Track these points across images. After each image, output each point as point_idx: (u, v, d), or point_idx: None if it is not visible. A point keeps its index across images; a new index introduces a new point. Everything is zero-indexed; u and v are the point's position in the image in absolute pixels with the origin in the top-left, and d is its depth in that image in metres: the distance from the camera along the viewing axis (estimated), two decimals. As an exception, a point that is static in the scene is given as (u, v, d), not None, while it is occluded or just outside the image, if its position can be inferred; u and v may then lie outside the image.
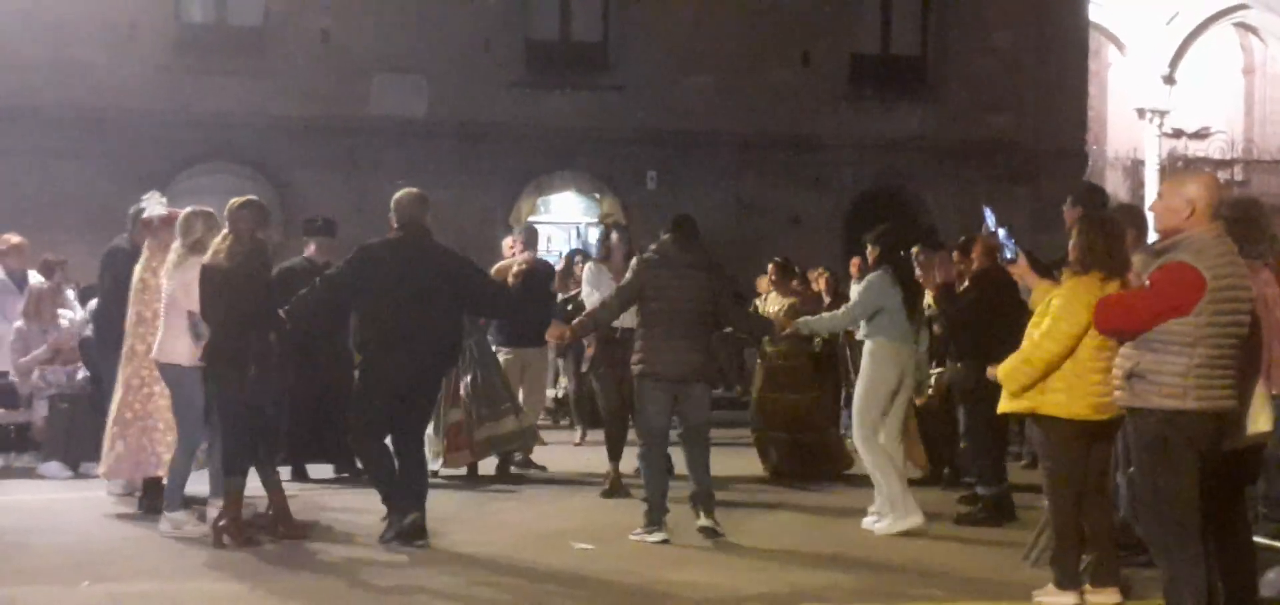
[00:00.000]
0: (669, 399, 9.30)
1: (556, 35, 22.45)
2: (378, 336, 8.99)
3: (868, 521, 9.66)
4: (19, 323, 12.54)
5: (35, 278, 13.07)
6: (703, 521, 9.29)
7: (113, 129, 19.96)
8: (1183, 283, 6.20)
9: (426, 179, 20.64)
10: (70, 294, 13.28)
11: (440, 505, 9.85)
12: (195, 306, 8.98)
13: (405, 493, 8.93)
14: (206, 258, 8.93)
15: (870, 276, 9.80)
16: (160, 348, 9.28)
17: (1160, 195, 6.55)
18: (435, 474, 11.14)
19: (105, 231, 13.02)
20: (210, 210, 9.44)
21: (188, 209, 9.49)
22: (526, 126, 21.46)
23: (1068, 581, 7.47)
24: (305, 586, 7.83)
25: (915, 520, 9.48)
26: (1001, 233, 8.20)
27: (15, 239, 13.24)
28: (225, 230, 8.98)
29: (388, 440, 9.04)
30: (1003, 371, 7.49)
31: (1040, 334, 7.32)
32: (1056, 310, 7.33)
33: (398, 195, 9.23)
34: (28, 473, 12.00)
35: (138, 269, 9.89)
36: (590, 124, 21.72)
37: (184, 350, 9.12)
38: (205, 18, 21.47)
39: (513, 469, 12.22)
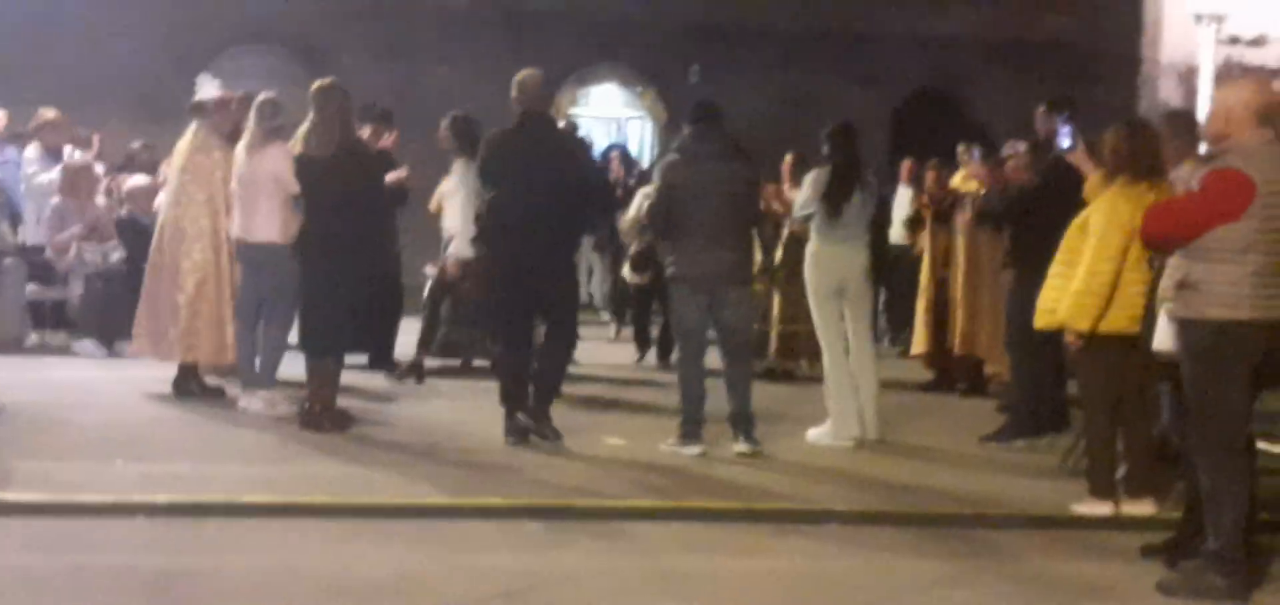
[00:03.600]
0: (704, 303, 8.73)
1: (603, -77, 22.15)
2: (506, 225, 8.67)
3: (811, 431, 9.28)
4: (55, 199, 12.53)
5: (71, 152, 13.04)
6: (741, 446, 8.70)
7: (156, 7, 19.86)
8: (1231, 188, 6.05)
9: (467, 67, 20.76)
10: (98, 169, 13.21)
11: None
12: (283, 189, 9.05)
13: (541, 399, 8.68)
14: (296, 145, 8.98)
15: (811, 172, 9.43)
16: (247, 227, 9.32)
17: (1210, 102, 6.42)
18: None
19: (144, 110, 13.06)
20: (275, 98, 9.47)
21: (262, 94, 9.49)
22: (572, 15, 21.22)
23: (1102, 492, 7.45)
24: (338, 473, 7.83)
25: (845, 436, 9.10)
26: (1060, 121, 8.06)
27: (51, 114, 13.21)
28: (311, 115, 8.96)
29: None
30: (1069, 314, 7.33)
31: (1093, 256, 7.20)
32: (1101, 226, 7.24)
33: (521, 76, 8.88)
34: (63, 350, 12.07)
35: (184, 149, 9.87)
36: (635, 15, 21.45)
37: (277, 228, 9.17)
38: (250, -103, 21.28)
39: None
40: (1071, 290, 7.36)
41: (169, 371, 9.97)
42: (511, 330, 8.80)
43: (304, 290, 9.06)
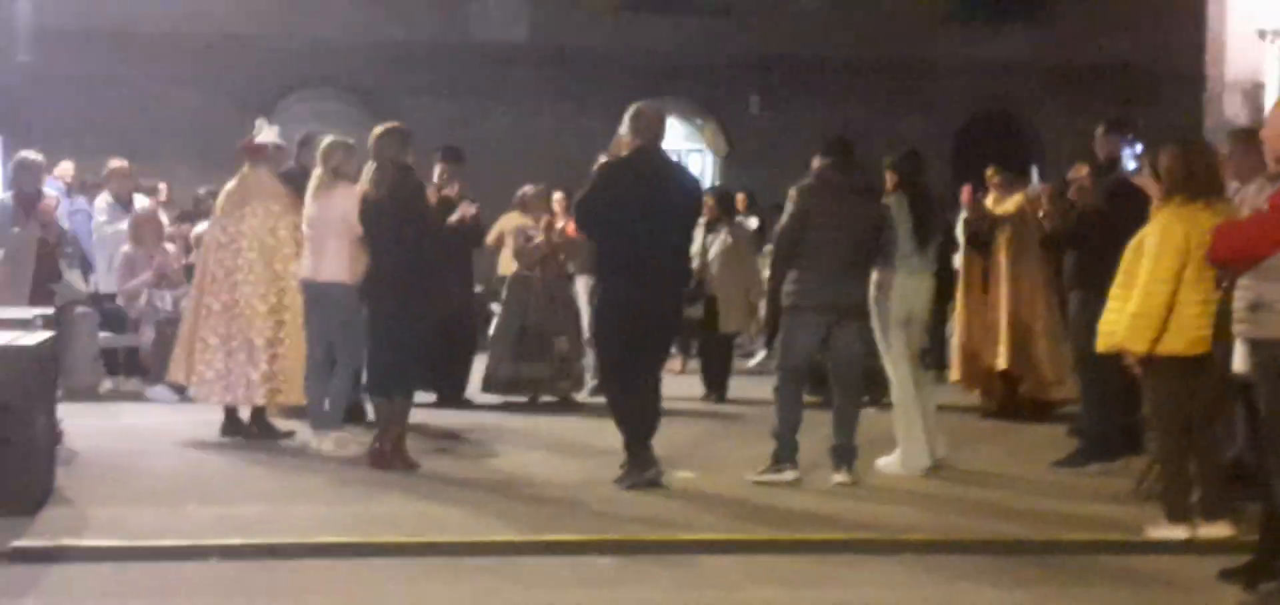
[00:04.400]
0: (821, 334, 8.73)
1: (660, -41, 22.29)
2: (618, 260, 8.56)
3: (881, 461, 9.19)
4: (125, 247, 12.71)
5: (141, 202, 13.24)
6: (842, 477, 8.71)
7: (216, 55, 20.15)
8: (1301, 206, 6.00)
9: (527, 105, 20.93)
10: (165, 217, 13.38)
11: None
12: (351, 230, 9.19)
13: (646, 438, 8.55)
14: (362, 187, 9.11)
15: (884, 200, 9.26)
16: (316, 267, 9.44)
17: (1269, 122, 6.36)
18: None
19: (209, 157, 13.23)
20: (350, 141, 9.66)
21: (328, 138, 9.66)
22: (629, 51, 21.31)
23: (1177, 515, 7.37)
24: (410, 511, 7.85)
25: (916, 466, 9.04)
26: (1124, 142, 8.03)
27: (120, 163, 13.44)
28: (371, 161, 9.09)
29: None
30: (1126, 337, 7.29)
31: (1148, 277, 7.15)
32: (1155, 247, 7.19)
33: (637, 109, 8.77)
34: (136, 396, 12.19)
35: (241, 191, 9.95)
36: (692, 48, 21.54)
37: (345, 268, 9.31)
38: (309, -58, 21.59)
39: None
40: (1128, 312, 7.31)
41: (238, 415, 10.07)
42: (630, 370, 8.65)
43: (370, 331, 9.15)
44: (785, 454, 8.72)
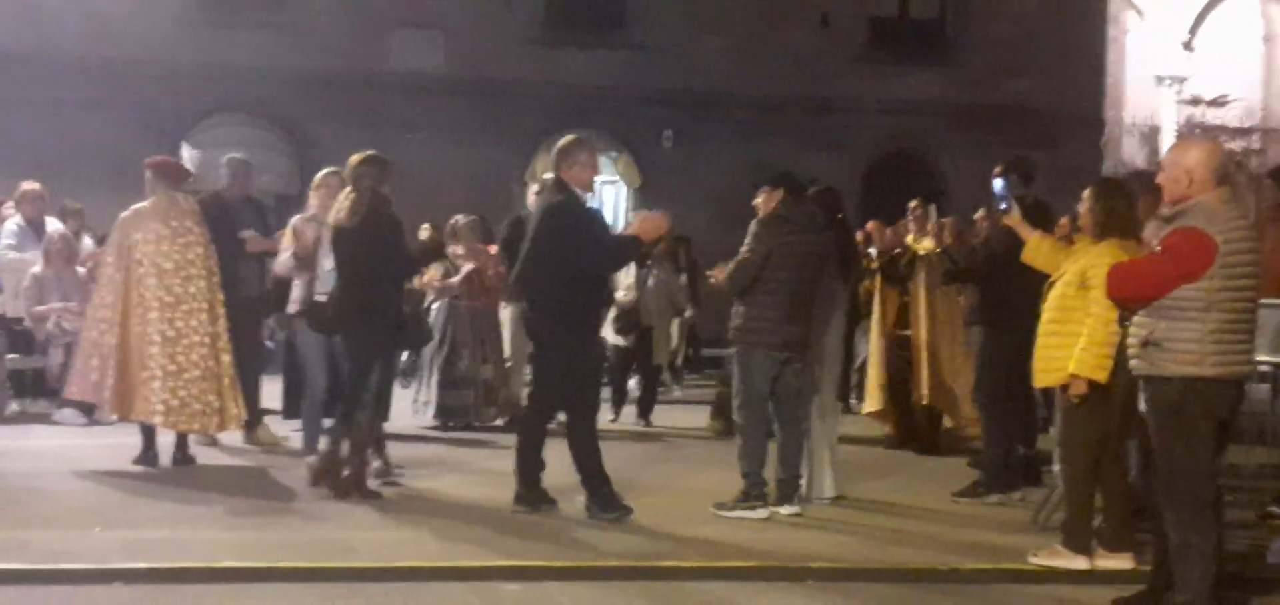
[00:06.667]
0: (775, 369, 8.72)
1: (576, -8, 22.44)
2: (588, 295, 8.77)
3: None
4: (36, 268, 12.59)
5: (54, 225, 13.12)
6: (789, 509, 8.76)
7: (131, 80, 19.98)
8: (1194, 247, 6.18)
9: (443, 134, 20.93)
10: (87, 242, 13.30)
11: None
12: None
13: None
14: (332, 216, 9.03)
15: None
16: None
17: (1162, 166, 6.56)
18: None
19: (122, 181, 13.03)
20: (337, 170, 9.76)
21: (324, 171, 9.84)
22: (544, 84, 21.43)
23: (1080, 545, 7.50)
24: (320, 538, 7.85)
25: (820, 496, 9.17)
26: (998, 185, 8.20)
27: (32, 186, 13.31)
28: (348, 188, 9.01)
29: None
30: (1087, 370, 7.34)
31: (1103, 309, 7.16)
32: (1101, 281, 7.27)
33: (560, 144, 8.73)
34: (43, 418, 12.07)
35: (155, 211, 9.84)
36: (607, 83, 21.67)
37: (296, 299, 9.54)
38: (225, -31, 21.50)
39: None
40: (1085, 344, 7.34)
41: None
42: (591, 398, 8.78)
43: (349, 359, 9.08)
44: (755, 491, 8.71)
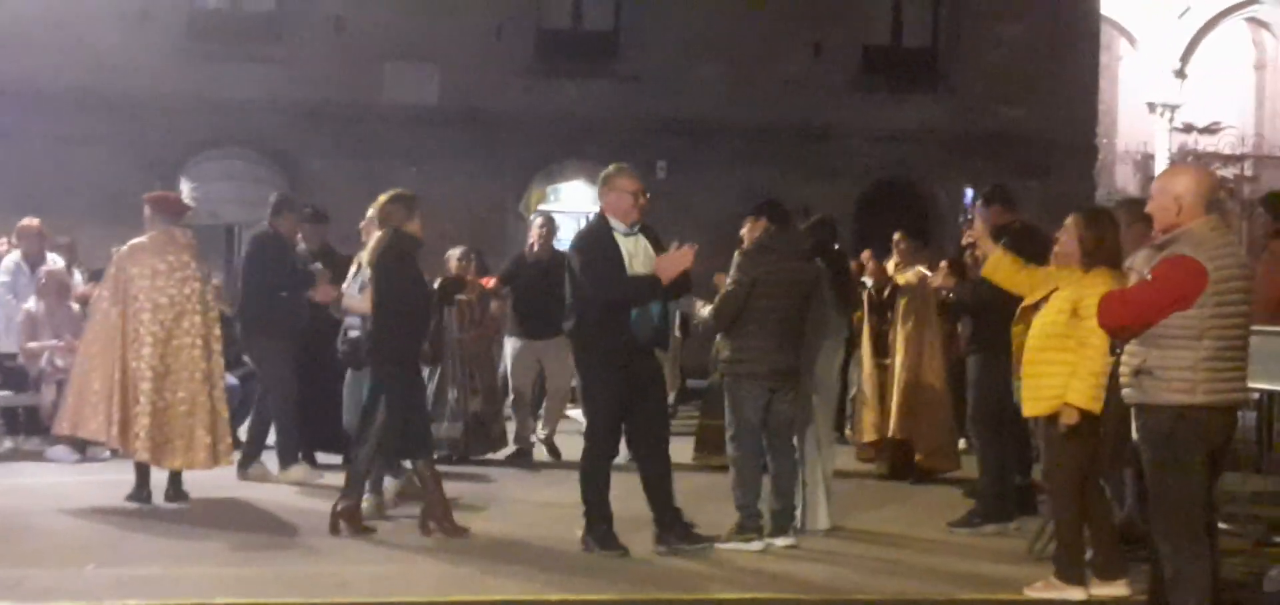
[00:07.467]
0: (765, 400, 8.67)
1: (568, 23, 22.52)
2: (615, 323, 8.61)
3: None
4: (29, 304, 12.58)
5: (54, 260, 13.12)
6: (787, 540, 8.69)
7: (124, 113, 20.01)
8: (1184, 275, 6.19)
9: (437, 167, 20.93)
10: (77, 277, 13.29)
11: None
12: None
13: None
14: (366, 256, 9.18)
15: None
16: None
17: (1152, 193, 6.56)
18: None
19: (117, 215, 13.10)
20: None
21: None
22: (537, 115, 21.47)
23: (1073, 576, 7.47)
24: (312, 572, 7.85)
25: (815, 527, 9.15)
26: (967, 195, 8.21)
27: (30, 222, 13.31)
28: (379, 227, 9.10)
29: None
30: (1085, 401, 7.32)
31: (1101, 339, 7.13)
32: (1093, 312, 7.26)
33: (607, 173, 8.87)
34: (36, 455, 12.05)
35: (155, 259, 9.82)
36: (601, 113, 21.69)
37: None
38: (219, 3, 21.58)
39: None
40: (1084, 373, 7.30)
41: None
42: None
43: (387, 402, 8.96)
44: (750, 523, 8.65)
